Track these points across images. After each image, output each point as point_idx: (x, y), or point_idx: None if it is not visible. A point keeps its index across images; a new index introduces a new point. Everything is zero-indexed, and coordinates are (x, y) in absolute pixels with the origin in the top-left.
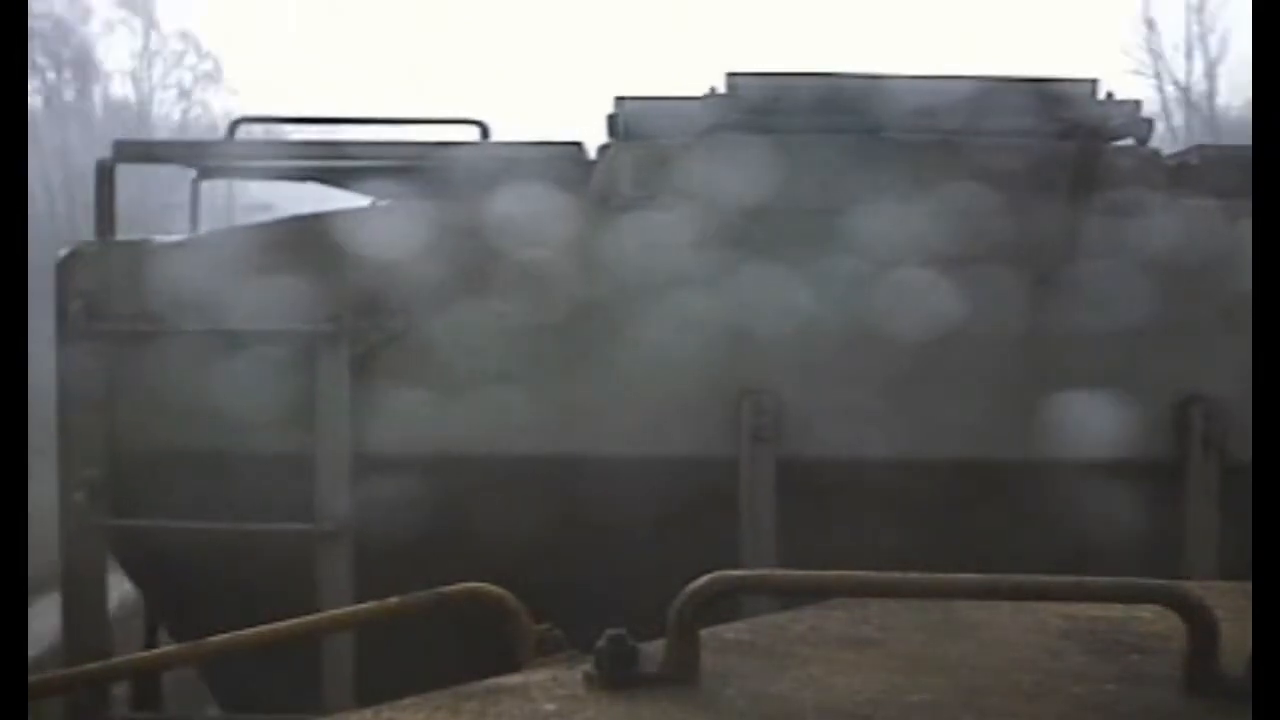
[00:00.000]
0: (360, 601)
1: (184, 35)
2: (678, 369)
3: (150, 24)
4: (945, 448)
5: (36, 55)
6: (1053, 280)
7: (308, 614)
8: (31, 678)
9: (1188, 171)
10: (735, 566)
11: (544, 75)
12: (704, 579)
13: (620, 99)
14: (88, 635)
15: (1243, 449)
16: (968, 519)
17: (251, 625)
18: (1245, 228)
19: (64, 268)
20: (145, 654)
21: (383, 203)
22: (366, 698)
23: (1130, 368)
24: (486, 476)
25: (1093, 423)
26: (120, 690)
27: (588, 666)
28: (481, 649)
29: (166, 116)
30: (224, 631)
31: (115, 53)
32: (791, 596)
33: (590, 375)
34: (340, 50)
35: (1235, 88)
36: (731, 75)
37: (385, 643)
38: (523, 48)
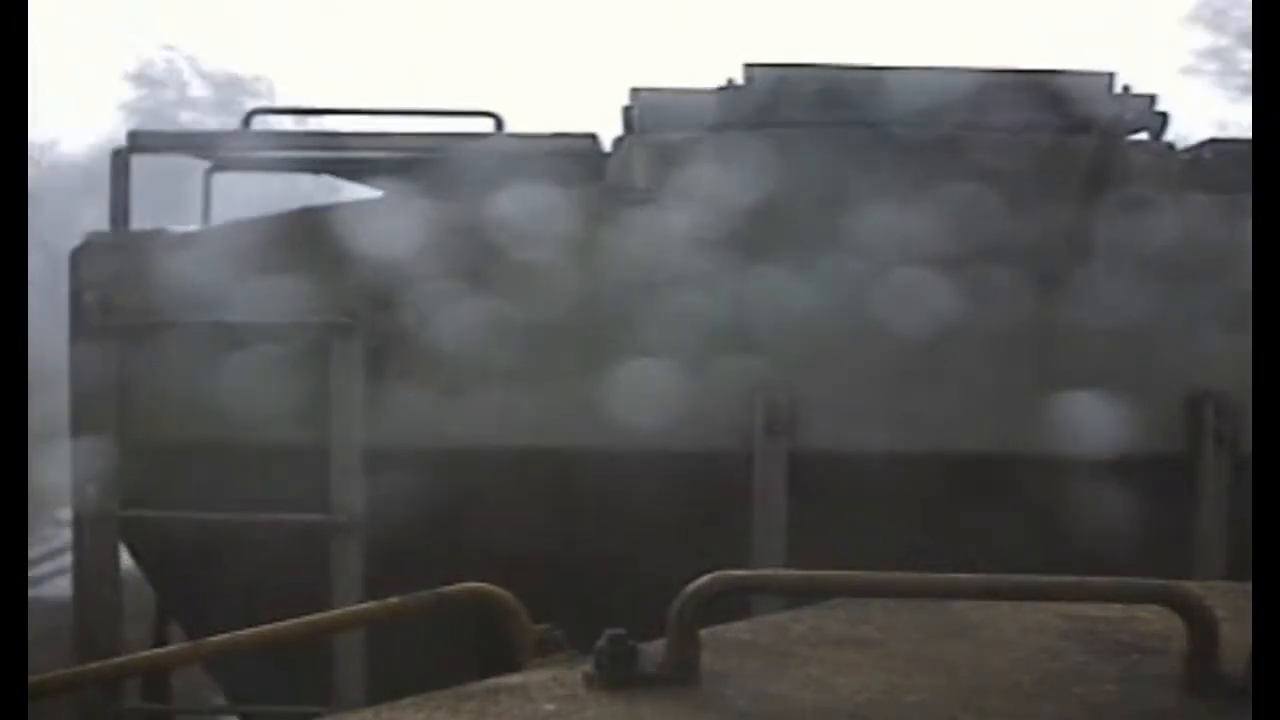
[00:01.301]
0: (371, 594)
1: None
2: (690, 363)
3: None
4: (957, 443)
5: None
6: (1064, 276)
7: (318, 606)
8: (33, 677)
9: (1200, 166)
10: (744, 563)
11: (559, 67)
12: (704, 579)
13: (635, 91)
14: (99, 626)
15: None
16: (979, 515)
17: (261, 617)
18: None
19: (77, 259)
20: (149, 653)
21: (396, 195)
22: (379, 689)
23: (1141, 363)
24: (499, 470)
25: (1104, 419)
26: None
27: (588, 666)
28: (481, 649)
29: None
30: (234, 623)
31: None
32: (793, 596)
33: (603, 369)
34: (356, 43)
35: None
36: (749, 67)
37: (386, 642)
38: (538, 39)
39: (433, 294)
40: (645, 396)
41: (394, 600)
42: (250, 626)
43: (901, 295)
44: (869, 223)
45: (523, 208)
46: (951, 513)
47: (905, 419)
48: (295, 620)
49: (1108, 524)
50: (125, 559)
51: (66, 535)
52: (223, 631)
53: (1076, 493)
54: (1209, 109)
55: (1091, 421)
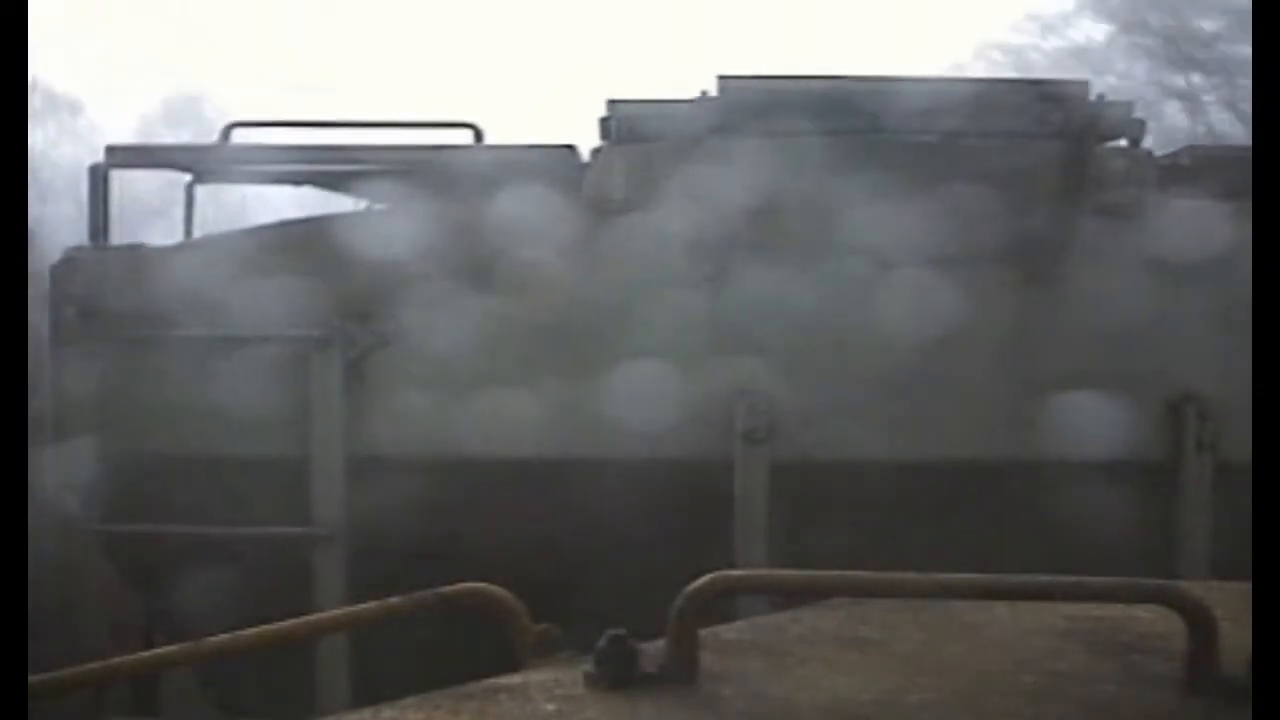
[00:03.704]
0: (355, 604)
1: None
2: (671, 371)
3: None
4: (939, 448)
5: None
6: (1046, 280)
7: (312, 615)
8: (31, 678)
9: (1179, 171)
10: (730, 567)
11: (537, 78)
12: (704, 579)
13: (613, 101)
14: (84, 639)
15: (1235, 448)
16: (962, 520)
17: (247, 629)
18: (1236, 227)
19: (58, 273)
20: (143, 655)
21: (377, 206)
22: (363, 699)
23: (1123, 368)
24: (481, 479)
25: (1087, 423)
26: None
27: (588, 666)
28: (481, 649)
29: None
30: (220, 635)
31: None
32: (791, 596)
33: (584, 378)
34: (333, 53)
35: None
36: (723, 78)
37: (385, 643)
38: (516, 50)
39: (412, 305)
40: (628, 405)
41: (393, 600)
42: None
43: (882, 302)
44: (848, 229)
45: (502, 218)
46: (935, 519)
47: (887, 424)
48: (294, 620)
49: (1089, 529)
50: None
51: None
52: None
53: (1059, 498)
54: None
55: (1074, 426)
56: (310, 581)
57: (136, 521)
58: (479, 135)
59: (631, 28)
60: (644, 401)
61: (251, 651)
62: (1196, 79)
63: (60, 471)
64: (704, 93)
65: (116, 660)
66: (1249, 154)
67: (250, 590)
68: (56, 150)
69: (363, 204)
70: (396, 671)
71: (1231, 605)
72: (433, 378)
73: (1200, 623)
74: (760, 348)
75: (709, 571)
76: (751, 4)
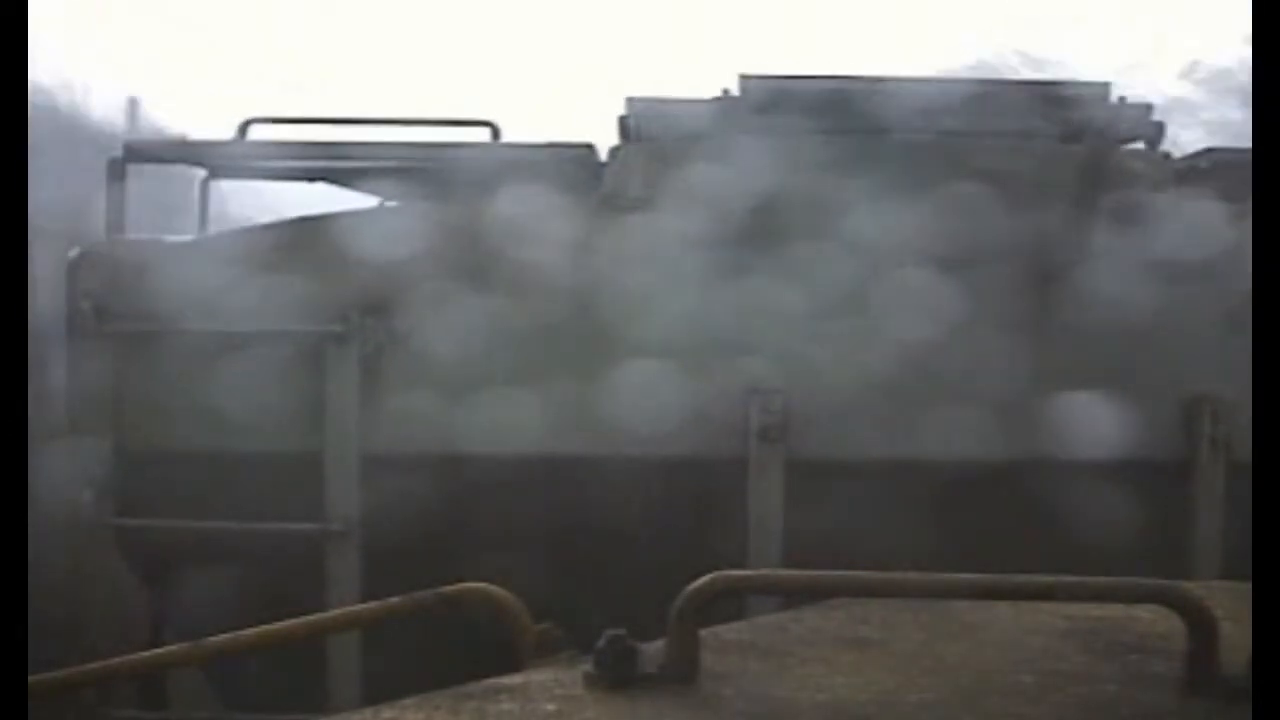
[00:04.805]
0: (368, 601)
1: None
2: (687, 369)
3: None
4: (952, 448)
5: None
6: (1060, 281)
7: (315, 614)
8: (31, 678)
9: (1197, 174)
10: (739, 566)
11: (555, 76)
12: (704, 579)
13: (631, 100)
14: (93, 634)
15: (1249, 449)
16: (975, 519)
17: (258, 625)
18: (1249, 229)
19: (73, 268)
20: (146, 654)
21: (392, 203)
22: (373, 697)
23: (1138, 369)
24: (494, 476)
25: (1100, 423)
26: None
27: (588, 666)
28: (481, 649)
29: None
30: (230, 632)
31: None
32: (793, 596)
33: (598, 375)
34: (351, 51)
35: None
36: (745, 77)
37: (387, 642)
38: (534, 48)
39: (428, 301)
40: (642, 402)
41: (394, 600)
42: None
43: (896, 301)
44: (864, 228)
45: (519, 216)
46: (948, 518)
47: (899, 424)
48: (295, 620)
49: (1104, 529)
50: None
51: None
52: None
53: (1072, 498)
54: None
55: (1088, 426)
56: (324, 577)
57: (150, 517)
58: (496, 133)
59: (652, 25)
60: (660, 399)
61: (252, 651)
62: None
63: (74, 467)
64: (725, 91)
65: (117, 661)
66: None
67: (263, 586)
68: None
69: (377, 201)
70: (403, 668)
71: (1231, 605)
72: (446, 374)
73: (1200, 623)
74: (777, 346)
75: (715, 570)
76: (761, 6)
